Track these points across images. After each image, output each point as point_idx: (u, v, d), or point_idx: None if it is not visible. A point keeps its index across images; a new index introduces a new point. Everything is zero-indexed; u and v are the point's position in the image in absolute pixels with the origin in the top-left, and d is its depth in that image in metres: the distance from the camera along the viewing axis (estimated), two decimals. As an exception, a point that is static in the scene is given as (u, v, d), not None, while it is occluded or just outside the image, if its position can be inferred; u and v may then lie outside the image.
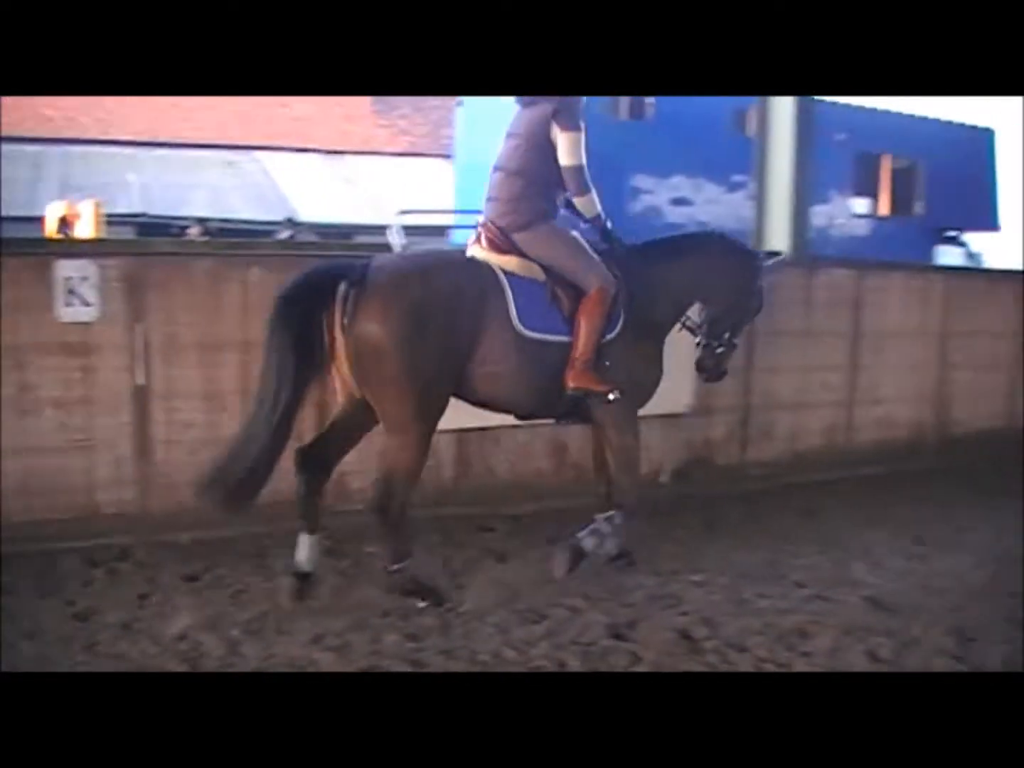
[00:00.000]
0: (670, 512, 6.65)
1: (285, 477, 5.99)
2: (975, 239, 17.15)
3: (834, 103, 13.24)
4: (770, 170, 7.98)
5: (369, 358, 4.76)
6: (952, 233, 16.58)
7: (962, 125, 16.63)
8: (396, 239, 6.45)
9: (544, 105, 5.11)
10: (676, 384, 6.17)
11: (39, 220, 14.79)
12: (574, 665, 4.47)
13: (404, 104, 24.42)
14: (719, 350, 5.73)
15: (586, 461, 6.86)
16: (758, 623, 5.00)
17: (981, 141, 16.94)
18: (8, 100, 15.76)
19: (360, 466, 5.37)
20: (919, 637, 4.89)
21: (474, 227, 5.37)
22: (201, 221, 16.89)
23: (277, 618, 4.87)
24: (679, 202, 13.56)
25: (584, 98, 5.26)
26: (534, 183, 5.17)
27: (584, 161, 5.16)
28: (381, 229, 6.94)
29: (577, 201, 5.26)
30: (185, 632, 4.66)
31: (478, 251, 5.24)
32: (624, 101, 13.03)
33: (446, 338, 4.85)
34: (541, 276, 5.17)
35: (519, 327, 5.02)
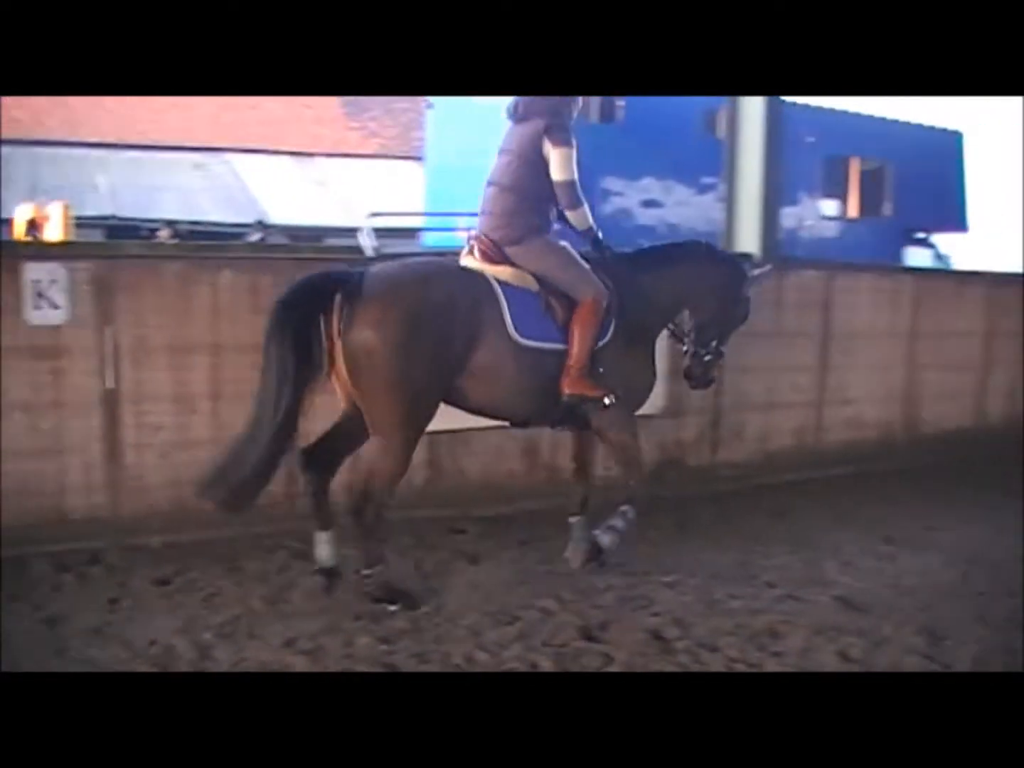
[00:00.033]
0: (641, 513, 6.66)
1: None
2: (944, 240, 17.25)
3: (804, 105, 13.31)
4: (740, 172, 8.01)
5: (362, 363, 4.81)
6: (921, 235, 16.67)
7: (931, 127, 16.73)
8: (367, 241, 6.44)
9: (536, 121, 5.21)
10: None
11: (7, 223, 14.69)
12: (546, 666, 4.48)
13: (375, 106, 24.39)
14: (707, 358, 5.82)
15: (558, 462, 6.89)
16: (729, 623, 5.02)
17: (949, 143, 17.05)
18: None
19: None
20: (890, 636, 4.93)
21: (445, 229, 5.42)
22: (171, 224, 16.81)
23: (249, 622, 4.86)
24: (649, 204, 13.58)
25: (573, 112, 5.37)
26: (527, 198, 5.25)
27: (576, 176, 5.25)
28: (352, 231, 6.93)
29: (570, 215, 5.35)
30: (156, 637, 4.64)
31: (471, 262, 5.30)
32: (594, 103, 13.02)
33: (439, 346, 4.90)
34: (534, 286, 5.24)
35: (514, 335, 5.08)
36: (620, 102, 13.07)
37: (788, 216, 13.03)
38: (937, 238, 16.98)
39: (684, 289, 5.69)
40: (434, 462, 6.57)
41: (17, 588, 5.16)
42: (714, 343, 5.81)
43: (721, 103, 9.58)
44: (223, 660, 4.44)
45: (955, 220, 17.18)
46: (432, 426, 5.20)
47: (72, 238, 13.67)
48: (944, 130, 17.01)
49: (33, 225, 14.27)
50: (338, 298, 4.83)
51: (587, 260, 5.42)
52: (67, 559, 5.52)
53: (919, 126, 16.44)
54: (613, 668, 4.47)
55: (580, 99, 5.47)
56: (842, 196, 16.15)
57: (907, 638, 4.92)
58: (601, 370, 5.28)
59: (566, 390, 5.22)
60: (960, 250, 17.05)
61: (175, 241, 14.35)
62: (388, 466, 4.97)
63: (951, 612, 5.29)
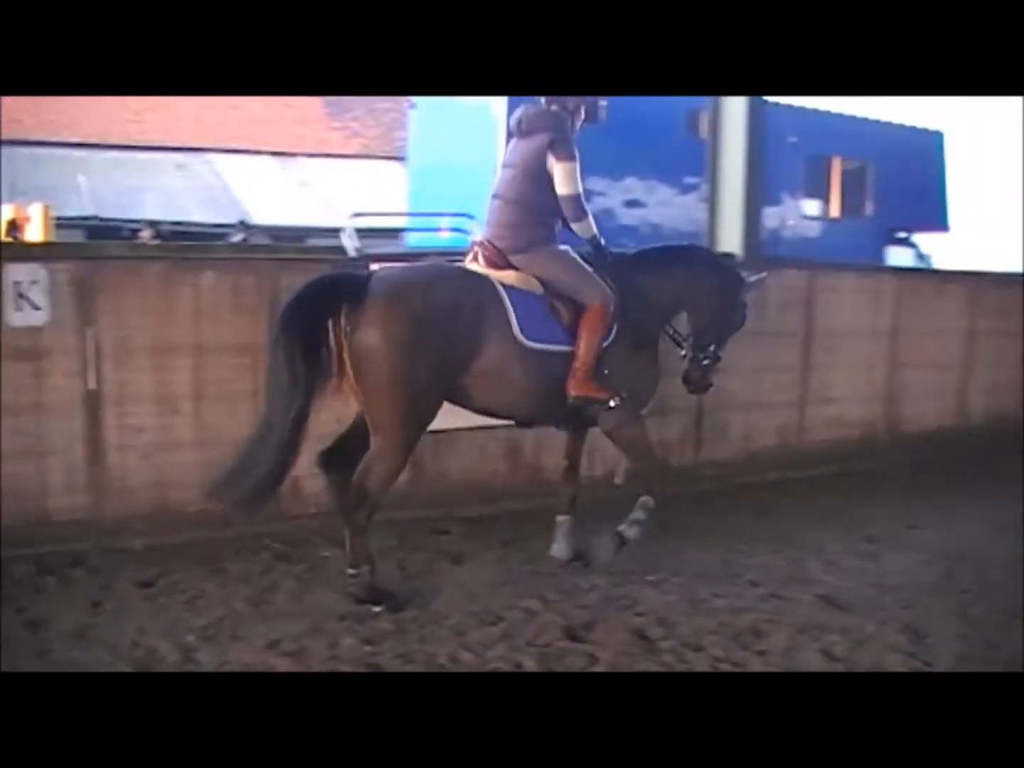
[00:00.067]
0: (625, 513, 6.67)
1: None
2: (925, 240, 17.32)
3: (785, 105, 13.35)
4: (722, 172, 8.02)
5: (366, 363, 4.84)
6: (902, 234, 16.73)
7: (912, 127, 16.79)
8: (349, 242, 6.42)
9: (540, 136, 5.31)
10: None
11: (-12, 223, 14.62)
12: (531, 666, 4.48)
13: (357, 106, 24.35)
14: (704, 362, 5.89)
15: (541, 462, 6.90)
16: (713, 622, 5.03)
17: (931, 143, 17.12)
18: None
19: (315, 470, 5.34)
20: (873, 634, 4.95)
21: (427, 229, 5.45)
22: (153, 224, 16.75)
23: (232, 624, 4.85)
24: (632, 204, 13.61)
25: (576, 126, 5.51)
26: (531, 212, 5.34)
27: (580, 189, 5.35)
28: (334, 232, 6.90)
29: (575, 227, 5.46)
30: (139, 639, 4.63)
31: (476, 267, 5.37)
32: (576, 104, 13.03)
33: (443, 348, 4.95)
34: (539, 289, 5.31)
35: (520, 337, 5.14)
36: (602, 102, 13.08)
37: (770, 216, 13.06)
38: (918, 237, 17.04)
39: (683, 291, 5.76)
40: (417, 463, 6.55)
41: (-1, 591, 5.15)
42: (712, 347, 5.88)
43: (703, 103, 9.60)
44: (206, 662, 4.43)
45: (936, 220, 17.26)
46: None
47: (53, 239, 13.64)
48: (925, 130, 17.08)
49: (13, 226, 14.24)
50: (345, 300, 4.86)
51: (588, 262, 5.49)
52: (49, 561, 5.49)
53: (900, 126, 16.50)
54: (598, 668, 4.48)
55: (583, 113, 5.56)
56: (824, 196, 16.21)
57: (890, 636, 4.94)
58: (606, 372, 5.35)
59: (572, 392, 5.28)
60: (941, 249, 17.12)
61: (157, 242, 14.30)
62: (386, 466, 4.99)
63: (933, 610, 5.32)
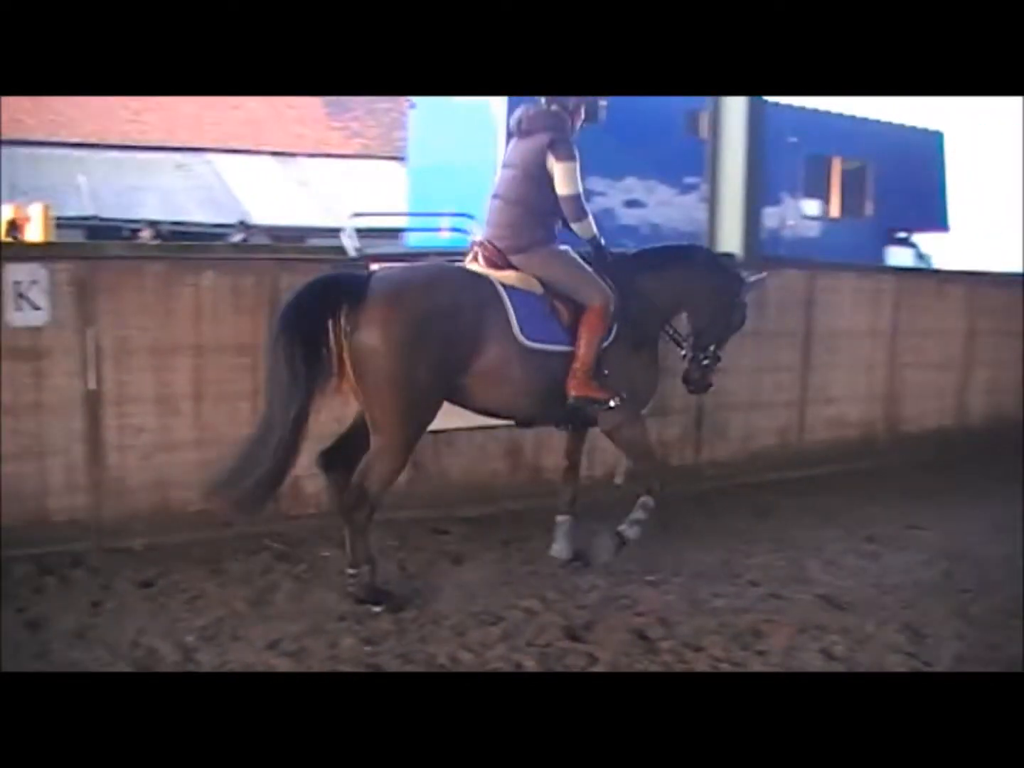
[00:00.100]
0: (624, 513, 6.67)
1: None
2: (925, 240, 17.32)
3: (786, 105, 13.35)
4: (722, 172, 8.01)
5: (366, 363, 4.86)
6: (902, 234, 16.73)
7: (912, 127, 16.79)
8: (349, 242, 6.42)
9: (540, 136, 5.32)
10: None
11: (-12, 223, 14.62)
12: (531, 666, 4.48)
13: (357, 106, 24.36)
14: (704, 362, 5.90)
15: (541, 463, 6.90)
16: (713, 622, 5.03)
17: (930, 143, 17.12)
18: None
19: (315, 470, 5.35)
20: (873, 634, 4.96)
21: (427, 229, 5.46)
22: (153, 224, 16.75)
23: (232, 624, 4.85)
24: (632, 204, 13.61)
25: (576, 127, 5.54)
26: (531, 211, 5.35)
27: (580, 189, 5.36)
28: (334, 232, 6.90)
29: (575, 226, 5.48)
30: (139, 639, 4.63)
31: (476, 267, 5.38)
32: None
33: (443, 349, 4.96)
34: (539, 289, 5.32)
35: (520, 337, 5.15)
36: (602, 102, 13.08)
37: (770, 216, 13.08)
38: (918, 238, 17.05)
39: (683, 291, 5.78)
40: (417, 463, 6.55)
41: (-1, 591, 5.15)
42: (712, 347, 5.90)
43: (703, 103, 9.60)
44: (206, 662, 4.43)
45: (936, 220, 17.25)
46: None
47: (53, 239, 13.63)
48: (925, 130, 17.08)
49: (13, 226, 14.24)
50: (345, 300, 4.87)
51: (588, 262, 5.51)
52: (49, 561, 5.49)
53: (900, 126, 16.50)
54: (597, 668, 4.48)
55: (583, 113, 5.58)
56: (824, 196, 16.21)
57: (890, 636, 4.94)
58: (606, 372, 5.35)
59: (572, 392, 5.29)
60: (941, 249, 17.12)
61: (157, 242, 14.29)
62: (386, 465, 5.00)
63: (933, 610, 5.33)
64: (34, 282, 5.59)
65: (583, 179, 5.40)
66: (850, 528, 6.78)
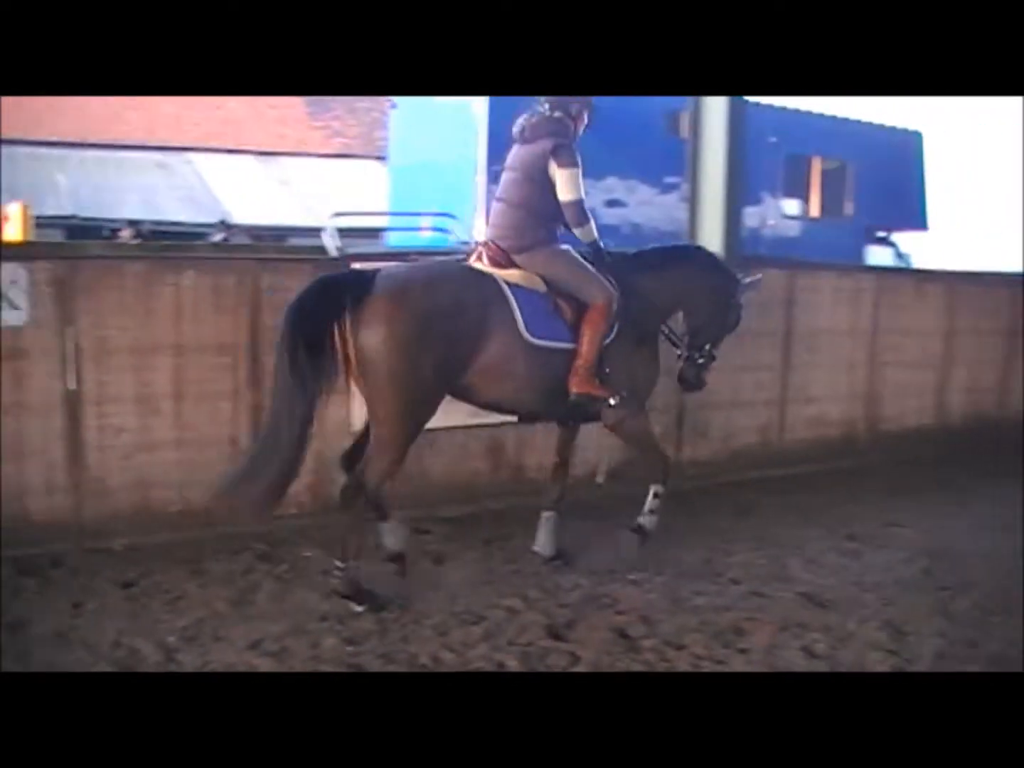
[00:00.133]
0: (606, 512, 6.69)
1: (216, 483, 5.96)
2: (904, 239, 17.36)
3: (766, 105, 13.35)
4: (703, 172, 8.03)
5: (370, 359, 4.92)
6: (882, 233, 16.76)
7: (891, 127, 16.82)
8: (331, 241, 6.42)
9: (543, 142, 5.41)
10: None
11: (-34, 223, 14.51)
12: (513, 666, 4.49)
13: (338, 106, 24.30)
14: (700, 361, 6.02)
15: (523, 462, 6.91)
16: (695, 621, 5.05)
17: (910, 143, 17.15)
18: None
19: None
20: (854, 632, 4.98)
21: (409, 229, 5.48)
22: (133, 223, 16.66)
23: (214, 624, 4.84)
24: (613, 204, 13.58)
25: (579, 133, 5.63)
26: (534, 215, 5.44)
27: (583, 195, 5.46)
28: (316, 231, 6.90)
29: (576, 231, 5.57)
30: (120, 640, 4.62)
31: (480, 266, 5.45)
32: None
33: (446, 346, 5.02)
34: (542, 287, 5.41)
35: (526, 335, 5.23)
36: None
37: (751, 215, 13.08)
38: (898, 237, 17.09)
39: (681, 291, 5.88)
40: (399, 462, 6.57)
41: (-22, 592, 5.12)
42: (707, 347, 6.02)
43: (684, 103, 9.60)
44: (188, 663, 4.43)
45: (916, 219, 17.29)
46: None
47: (32, 238, 13.55)
48: (904, 130, 17.10)
49: (-8, 225, 14.12)
50: (350, 298, 4.92)
51: (589, 262, 5.58)
52: (29, 563, 5.46)
53: (880, 126, 16.51)
54: (579, 667, 4.49)
55: (585, 119, 5.65)
56: (804, 196, 16.22)
57: (871, 633, 4.97)
58: (608, 370, 5.45)
59: (574, 389, 5.38)
60: (920, 249, 17.16)
61: (137, 241, 14.22)
62: (385, 460, 5.06)
63: (914, 607, 5.35)
64: (13, 282, 5.57)
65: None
66: (831, 526, 6.80)
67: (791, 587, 5.60)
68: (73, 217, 18.27)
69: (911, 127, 17.20)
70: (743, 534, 6.55)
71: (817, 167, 16.07)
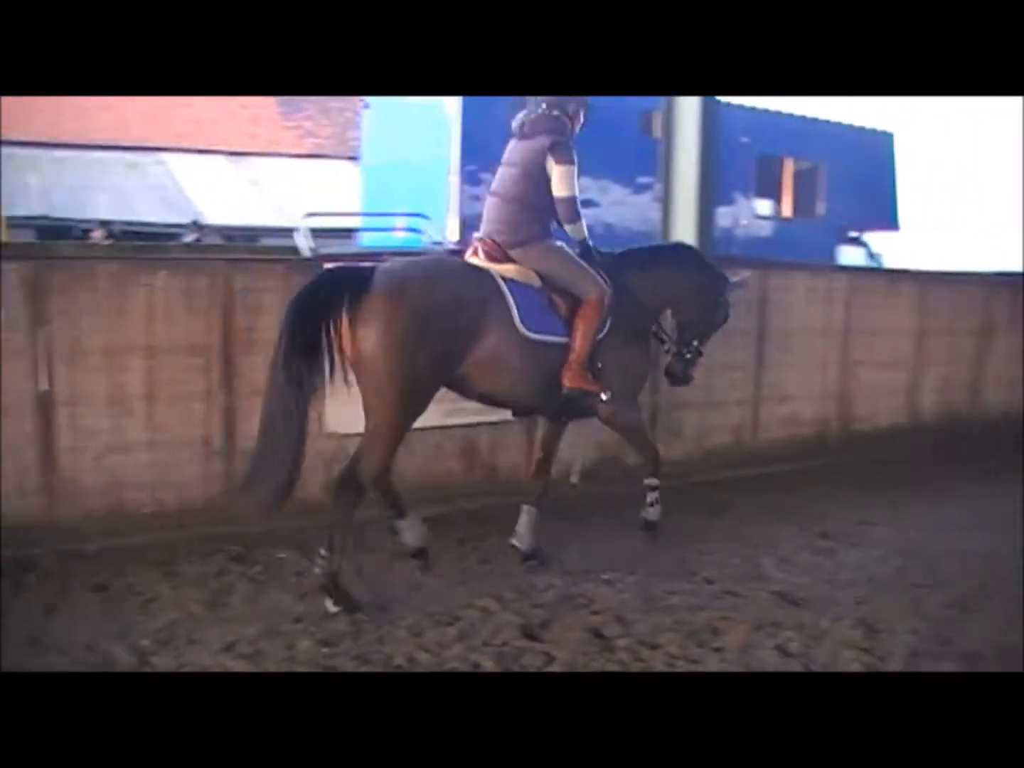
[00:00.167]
0: (580, 512, 6.70)
1: (189, 484, 5.96)
2: (876, 239, 17.44)
3: (738, 105, 13.41)
4: (676, 172, 8.06)
5: (369, 357, 4.94)
6: (854, 233, 16.84)
7: (863, 128, 16.90)
8: (304, 242, 6.41)
9: (541, 139, 5.50)
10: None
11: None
12: (488, 666, 4.49)
13: (310, 106, 24.24)
14: (687, 356, 6.18)
15: (497, 462, 6.91)
16: (669, 620, 5.06)
17: (881, 143, 17.24)
18: None
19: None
20: (827, 630, 5.00)
21: (382, 229, 5.50)
22: (104, 224, 16.57)
23: (188, 627, 4.82)
24: (585, 204, 13.54)
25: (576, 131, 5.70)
26: (528, 209, 5.52)
27: (577, 192, 5.54)
28: (288, 232, 6.88)
29: (568, 227, 5.64)
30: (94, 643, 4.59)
31: (476, 261, 5.52)
32: (532, 103, 13.03)
33: (443, 343, 5.07)
34: (537, 282, 5.49)
35: (522, 329, 5.30)
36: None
37: (723, 215, 13.13)
38: (870, 237, 17.17)
39: (670, 288, 6.02)
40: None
41: (-50, 596, 5.08)
42: (695, 343, 6.17)
43: (657, 103, 9.62)
44: (162, 666, 4.40)
45: (887, 219, 17.38)
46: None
47: (3, 239, 13.47)
48: (876, 131, 17.19)
49: (-38, 226, 14.04)
50: (348, 293, 4.96)
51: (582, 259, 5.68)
52: (1, 566, 5.42)
53: (851, 127, 16.60)
54: (554, 667, 4.49)
55: (583, 115, 5.72)
56: (776, 196, 16.29)
57: (844, 632, 4.99)
58: (600, 365, 5.56)
59: (567, 383, 5.47)
60: (891, 248, 17.26)
61: (109, 242, 14.14)
62: (377, 451, 5.07)
63: (887, 605, 5.37)
64: (-16, 283, 5.53)
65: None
66: (804, 525, 6.83)
67: (765, 586, 5.62)
68: (43, 217, 18.16)
69: (882, 128, 17.30)
70: (717, 533, 6.57)
71: (789, 167, 16.14)
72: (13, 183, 18.72)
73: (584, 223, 5.64)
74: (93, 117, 21.38)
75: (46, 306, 5.69)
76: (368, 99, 14.06)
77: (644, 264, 6.00)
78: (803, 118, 15.61)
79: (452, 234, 11.20)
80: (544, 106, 5.56)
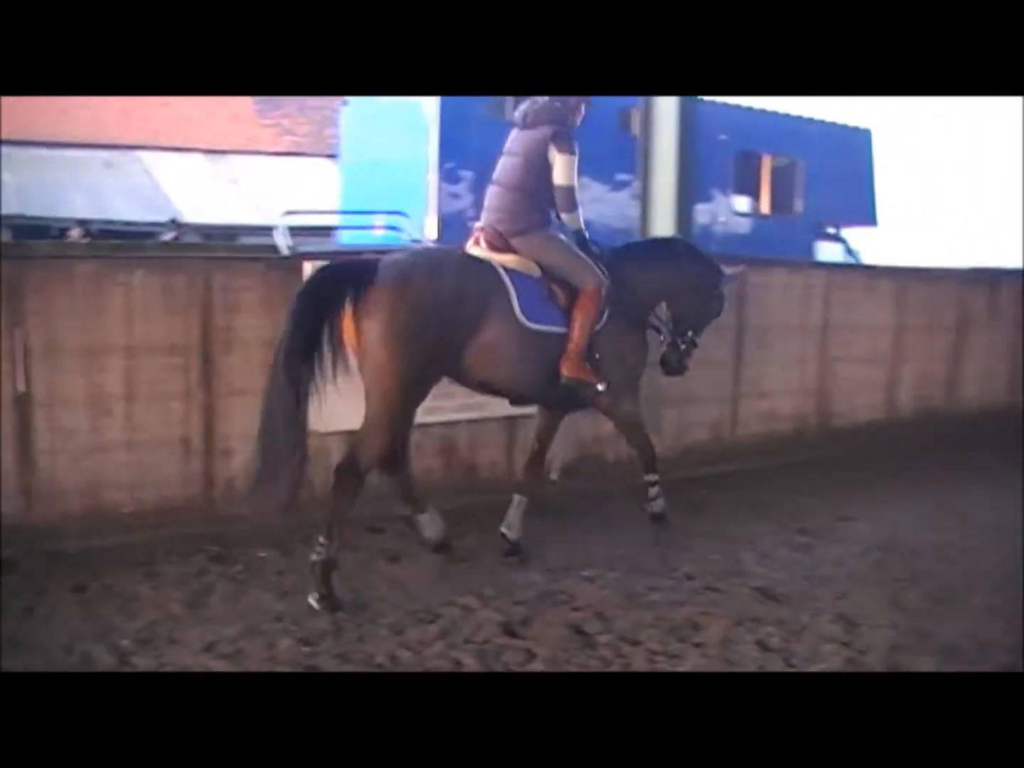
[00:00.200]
0: (561, 508, 6.71)
1: (168, 484, 5.93)
2: (854, 235, 17.50)
3: (716, 102, 13.42)
4: (654, 169, 8.07)
5: (372, 348, 5.00)
6: (832, 230, 16.89)
7: (841, 125, 16.95)
8: (282, 240, 6.39)
9: (543, 128, 5.57)
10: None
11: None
12: (469, 664, 4.48)
13: (288, 104, 24.15)
14: (682, 347, 6.28)
15: (476, 460, 6.91)
16: (650, 616, 5.07)
17: (860, 140, 17.29)
18: None
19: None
20: (807, 625, 5.02)
21: (360, 227, 5.51)
22: (82, 223, 16.50)
23: (168, 627, 4.80)
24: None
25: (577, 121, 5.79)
26: (529, 197, 5.59)
27: (576, 182, 5.62)
28: (267, 230, 6.87)
29: (565, 217, 5.71)
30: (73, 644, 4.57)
31: (478, 251, 5.58)
32: (510, 102, 13.04)
33: (445, 335, 5.13)
34: (537, 272, 5.55)
35: (522, 319, 5.36)
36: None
37: (702, 212, 13.14)
38: (848, 233, 17.22)
39: (667, 280, 6.10)
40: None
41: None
42: (690, 334, 6.27)
43: (635, 101, 9.64)
44: (142, 666, 4.38)
45: (865, 215, 17.44)
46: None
47: (-22, 238, 13.40)
48: (854, 128, 17.24)
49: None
50: (353, 285, 5.01)
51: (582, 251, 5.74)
52: (-20, 567, 5.40)
53: (830, 124, 16.65)
54: (535, 664, 4.50)
55: (583, 109, 5.82)
56: (754, 192, 16.31)
57: (824, 626, 5.01)
58: (597, 356, 5.61)
59: (565, 373, 5.52)
60: (869, 245, 17.31)
61: (86, 241, 14.08)
62: (376, 440, 5.10)
63: (866, 599, 5.40)
64: (-40, 283, 5.50)
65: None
66: (783, 521, 6.85)
67: (745, 582, 5.63)
68: (19, 216, 18.06)
69: (861, 124, 17.36)
70: (696, 530, 6.58)
71: (767, 164, 16.17)
72: (-13, 182, 18.63)
73: (580, 213, 5.68)
74: (70, 115, 21.27)
75: (23, 306, 5.66)
76: (346, 97, 14.03)
77: (641, 257, 6.11)
78: (781, 115, 15.65)
79: (430, 231, 11.21)
80: (546, 97, 5.60)
